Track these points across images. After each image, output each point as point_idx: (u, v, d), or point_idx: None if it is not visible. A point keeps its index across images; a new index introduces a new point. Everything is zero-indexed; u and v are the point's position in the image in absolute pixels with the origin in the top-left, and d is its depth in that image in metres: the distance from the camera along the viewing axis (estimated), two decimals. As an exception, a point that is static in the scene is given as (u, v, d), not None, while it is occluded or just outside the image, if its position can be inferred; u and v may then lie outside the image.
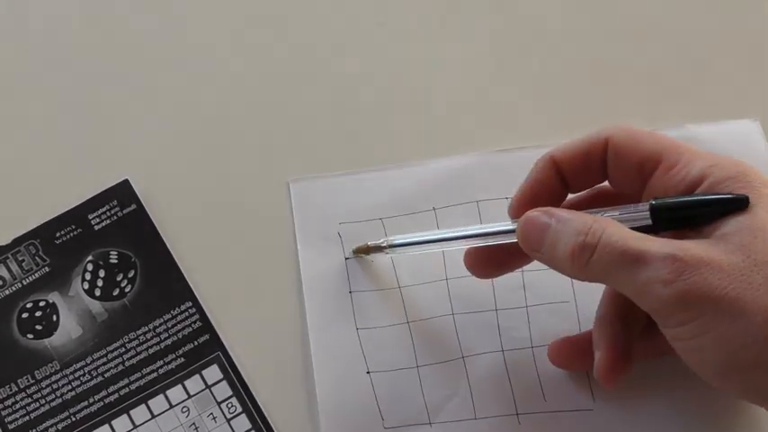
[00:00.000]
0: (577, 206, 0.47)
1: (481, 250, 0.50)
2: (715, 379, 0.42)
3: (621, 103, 0.61)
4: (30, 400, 0.53)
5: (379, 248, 0.54)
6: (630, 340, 0.48)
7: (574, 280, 0.48)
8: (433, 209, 0.57)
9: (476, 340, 0.54)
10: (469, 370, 0.53)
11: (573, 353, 0.52)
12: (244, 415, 0.53)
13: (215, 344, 0.54)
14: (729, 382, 0.42)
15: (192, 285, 0.56)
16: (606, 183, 0.48)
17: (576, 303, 0.54)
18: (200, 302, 0.55)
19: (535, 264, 0.49)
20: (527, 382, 0.53)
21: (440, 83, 0.62)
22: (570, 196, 0.49)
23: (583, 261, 0.43)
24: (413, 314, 0.55)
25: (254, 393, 0.53)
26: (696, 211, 0.42)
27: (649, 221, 0.43)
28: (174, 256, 0.56)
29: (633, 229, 0.43)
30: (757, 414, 0.52)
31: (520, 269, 0.53)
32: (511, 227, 0.47)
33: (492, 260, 0.51)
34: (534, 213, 0.45)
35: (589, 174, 0.47)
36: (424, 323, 0.54)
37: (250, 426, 0.53)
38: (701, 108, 0.60)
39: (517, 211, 0.48)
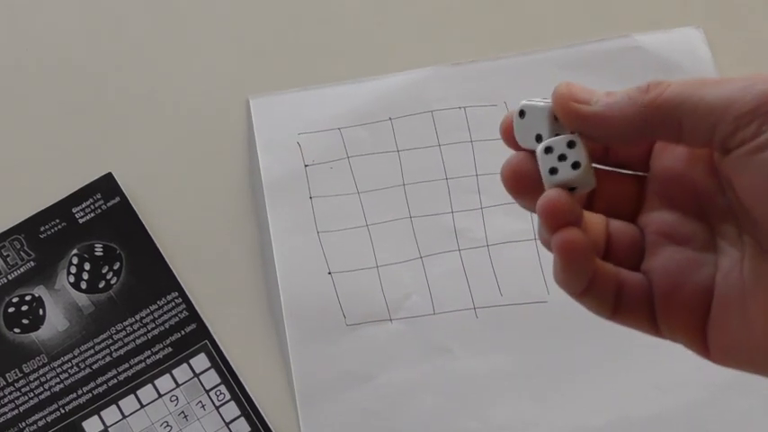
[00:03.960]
0: None
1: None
2: None
3: (568, 15, 0.62)
4: (18, 393, 0.53)
5: None
6: None
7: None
8: (390, 119, 0.59)
9: (433, 241, 0.56)
10: (428, 269, 0.56)
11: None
12: (232, 402, 0.53)
13: (202, 333, 0.55)
14: None
15: (177, 275, 0.56)
16: None
17: None
18: (187, 292, 0.55)
19: (490, 167, 0.54)
20: (483, 279, 0.55)
21: (394, 1, 0.63)
22: None
23: (658, 90, 0.35)
24: (372, 218, 0.57)
25: (242, 380, 0.54)
26: None
27: None
28: (159, 247, 0.56)
29: None
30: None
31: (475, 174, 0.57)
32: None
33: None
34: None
35: None
36: (383, 226, 0.56)
37: (239, 412, 0.53)
38: (645, 17, 0.61)
39: None
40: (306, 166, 0.57)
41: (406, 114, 0.59)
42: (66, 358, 0.54)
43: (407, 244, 0.56)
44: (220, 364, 0.54)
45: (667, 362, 0.53)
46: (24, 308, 0.55)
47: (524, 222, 0.55)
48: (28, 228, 0.57)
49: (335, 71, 0.60)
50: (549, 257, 0.54)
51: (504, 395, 0.53)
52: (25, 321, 0.55)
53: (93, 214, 0.57)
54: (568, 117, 0.36)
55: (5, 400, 0.53)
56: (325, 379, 0.53)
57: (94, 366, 0.54)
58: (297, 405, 0.53)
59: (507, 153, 0.56)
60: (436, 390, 0.53)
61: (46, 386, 0.54)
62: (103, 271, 0.56)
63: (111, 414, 0.53)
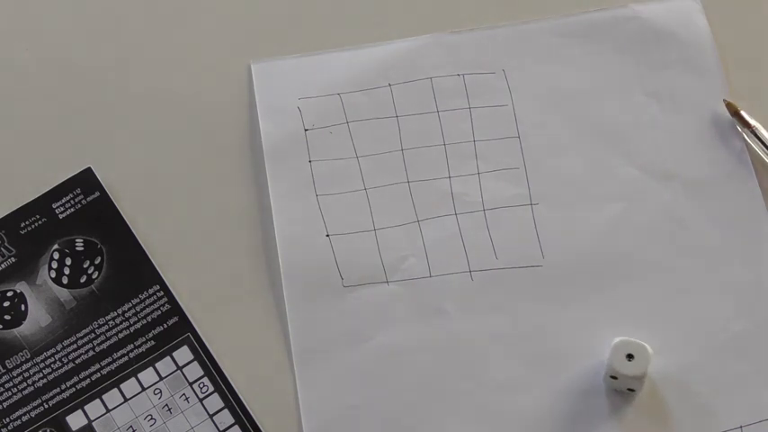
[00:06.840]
0: None
1: None
2: None
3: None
4: (2, 389, 0.54)
5: None
6: None
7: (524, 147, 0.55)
8: (389, 85, 0.60)
9: (430, 205, 0.57)
10: (424, 232, 0.57)
11: None
12: (216, 394, 0.54)
13: (184, 325, 0.55)
14: None
15: (159, 269, 0.56)
16: None
17: (525, 169, 0.58)
18: (168, 285, 0.56)
19: (487, 133, 0.58)
20: (479, 242, 0.56)
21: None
22: None
23: None
24: (370, 182, 0.58)
25: (225, 372, 0.54)
26: None
27: None
28: (140, 241, 0.56)
29: None
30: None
31: (473, 140, 0.58)
32: None
33: None
34: None
35: None
36: (381, 190, 0.58)
37: (223, 404, 0.53)
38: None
39: None
40: (306, 130, 0.58)
41: (405, 81, 0.60)
42: (48, 353, 0.54)
43: (405, 207, 0.57)
44: (203, 356, 0.54)
45: (661, 327, 0.54)
46: (6, 304, 0.55)
47: (520, 187, 0.57)
48: (8, 224, 0.57)
49: (336, 37, 0.61)
50: (544, 222, 0.56)
51: (498, 357, 0.54)
52: (7, 317, 0.55)
53: (73, 209, 0.57)
54: None
55: (-11, 396, 0.54)
56: (321, 340, 0.54)
57: (77, 361, 0.54)
58: (293, 365, 0.54)
59: (505, 120, 0.58)
60: (432, 351, 0.54)
61: (29, 381, 0.54)
62: (85, 266, 0.56)
63: (94, 408, 0.53)
